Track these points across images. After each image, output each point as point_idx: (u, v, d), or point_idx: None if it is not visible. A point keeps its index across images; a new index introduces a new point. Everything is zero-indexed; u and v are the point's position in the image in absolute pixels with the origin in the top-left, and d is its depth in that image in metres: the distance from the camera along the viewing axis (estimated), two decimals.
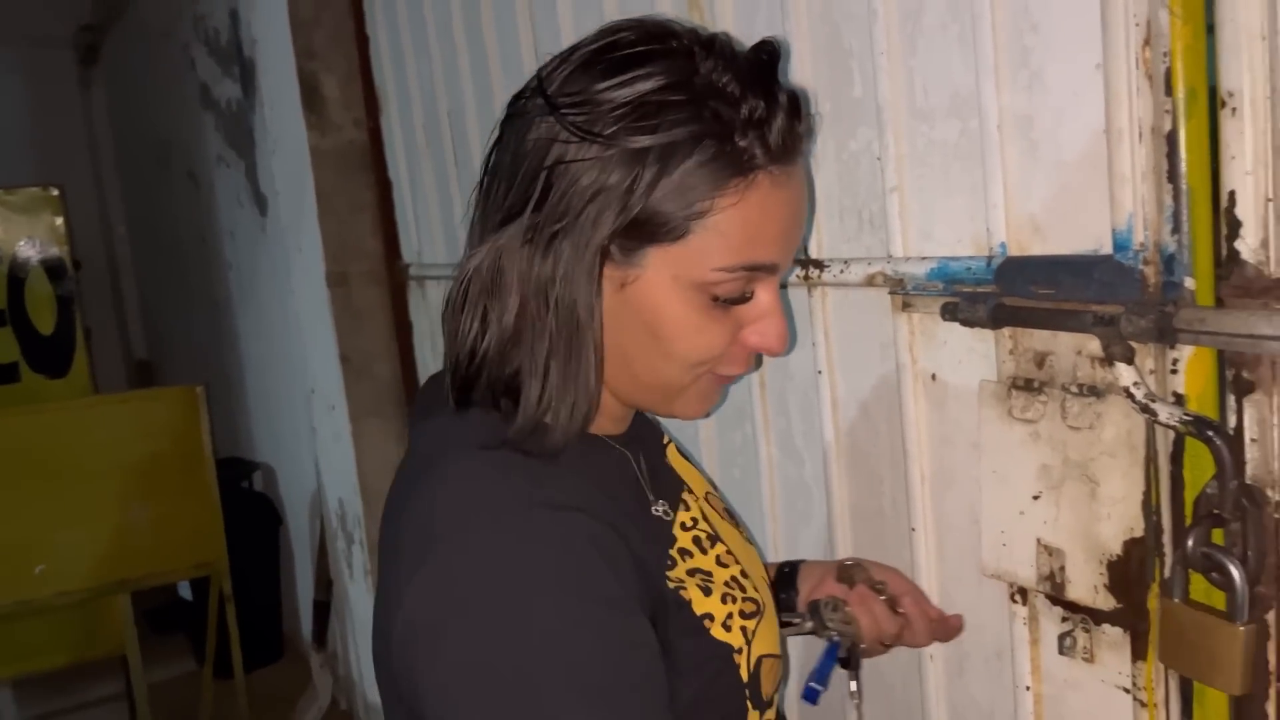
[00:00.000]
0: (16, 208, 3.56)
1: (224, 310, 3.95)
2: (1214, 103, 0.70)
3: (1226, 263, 0.71)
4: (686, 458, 0.94)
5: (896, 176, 0.99)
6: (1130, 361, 0.76)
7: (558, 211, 0.68)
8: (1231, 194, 0.69)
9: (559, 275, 0.69)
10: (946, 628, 0.99)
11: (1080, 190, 0.82)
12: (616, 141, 0.67)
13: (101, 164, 5.76)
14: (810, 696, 0.95)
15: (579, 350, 0.70)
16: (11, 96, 5.44)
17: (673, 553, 0.78)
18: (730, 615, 0.77)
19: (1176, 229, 0.73)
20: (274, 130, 2.62)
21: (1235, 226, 0.70)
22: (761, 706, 0.80)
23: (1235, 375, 0.72)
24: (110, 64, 5.41)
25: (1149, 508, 0.78)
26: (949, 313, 0.90)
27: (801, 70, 1.07)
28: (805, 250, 1.11)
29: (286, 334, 3.00)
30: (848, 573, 0.99)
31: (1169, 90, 0.71)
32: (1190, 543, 0.73)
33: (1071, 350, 0.83)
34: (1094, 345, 0.79)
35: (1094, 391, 0.81)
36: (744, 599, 0.79)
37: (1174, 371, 0.76)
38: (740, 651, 0.77)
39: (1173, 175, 0.72)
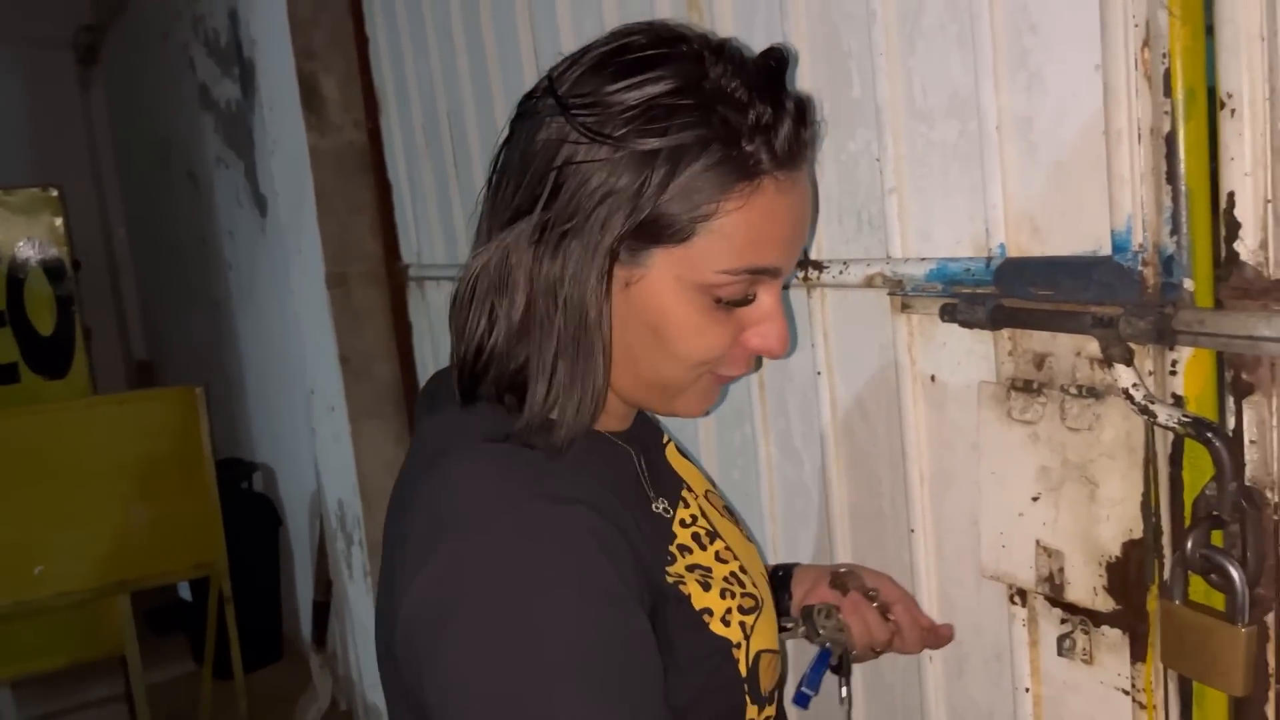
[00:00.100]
0: (16, 208, 3.56)
1: (223, 311, 3.95)
2: (1213, 104, 0.70)
3: (1225, 264, 0.71)
4: (686, 456, 0.94)
5: (895, 177, 0.99)
6: (1129, 363, 0.75)
7: (567, 211, 0.69)
8: (1230, 195, 0.69)
9: (568, 275, 0.70)
10: (937, 636, 1.00)
11: (1079, 191, 0.82)
12: (626, 143, 0.68)
13: (101, 164, 5.77)
14: (801, 701, 0.96)
15: (587, 349, 0.71)
16: (11, 97, 5.44)
17: (672, 549, 0.79)
18: (729, 610, 0.78)
19: (1175, 230, 0.73)
20: (273, 131, 2.62)
21: (1234, 228, 0.70)
22: (760, 701, 0.80)
23: (1234, 377, 0.72)
24: (110, 64, 5.41)
25: (1148, 509, 0.78)
26: (948, 314, 0.90)
27: (800, 71, 1.07)
28: (805, 252, 1.11)
29: (286, 335, 3.00)
30: (841, 580, 0.99)
31: (1168, 91, 0.71)
32: (1189, 544, 0.73)
33: (1070, 352, 0.83)
34: (1093, 347, 0.79)
35: (1093, 393, 0.81)
36: (743, 594, 0.80)
37: (1173, 373, 0.76)
38: (739, 646, 0.77)
39: (1172, 176, 0.72)
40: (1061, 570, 0.84)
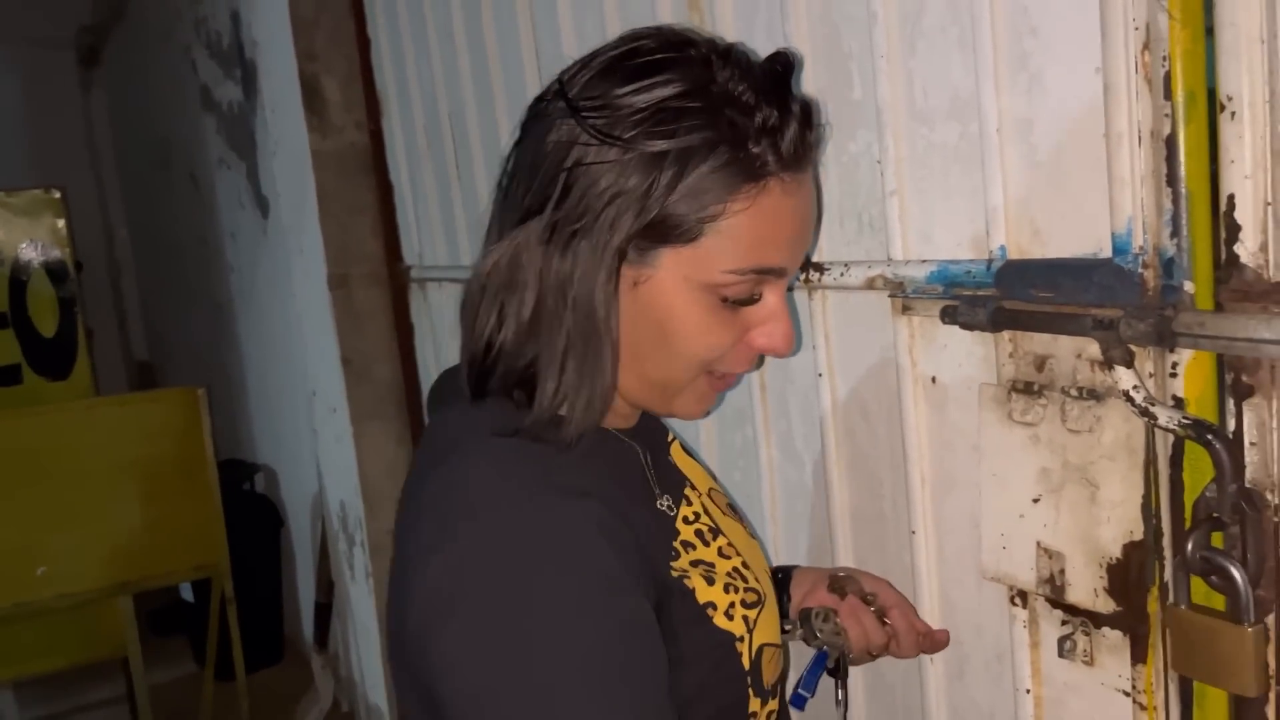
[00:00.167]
0: (18, 210, 3.57)
1: (225, 312, 3.95)
2: (1213, 106, 0.70)
3: (1226, 266, 0.71)
4: (691, 455, 0.95)
5: (896, 179, 0.99)
6: (1130, 365, 0.76)
7: (576, 211, 0.71)
8: (1231, 198, 0.69)
9: (577, 274, 0.71)
10: (933, 641, 1.01)
11: (1080, 194, 0.82)
12: (635, 145, 0.69)
13: (102, 166, 5.77)
14: (798, 703, 0.97)
15: (596, 347, 0.72)
16: (12, 98, 5.45)
17: (676, 544, 0.80)
18: (732, 604, 0.79)
19: (1176, 233, 0.73)
20: (275, 132, 2.62)
21: (1234, 230, 0.70)
22: (763, 695, 0.81)
23: (1234, 379, 0.72)
24: (111, 66, 5.42)
25: (1148, 511, 0.78)
26: (949, 316, 0.90)
27: (801, 73, 1.07)
28: (807, 253, 1.11)
29: (288, 336, 3.00)
30: (839, 583, 1.00)
31: (1168, 94, 0.71)
32: (1190, 546, 0.73)
33: (1071, 354, 0.83)
34: (1093, 349, 0.79)
35: (1093, 395, 0.81)
36: (745, 589, 0.81)
37: (1173, 375, 0.76)
38: (742, 640, 0.79)
39: (1172, 179, 0.72)
40: (1062, 572, 0.84)
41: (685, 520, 0.83)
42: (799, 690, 0.98)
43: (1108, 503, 0.80)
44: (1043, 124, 0.84)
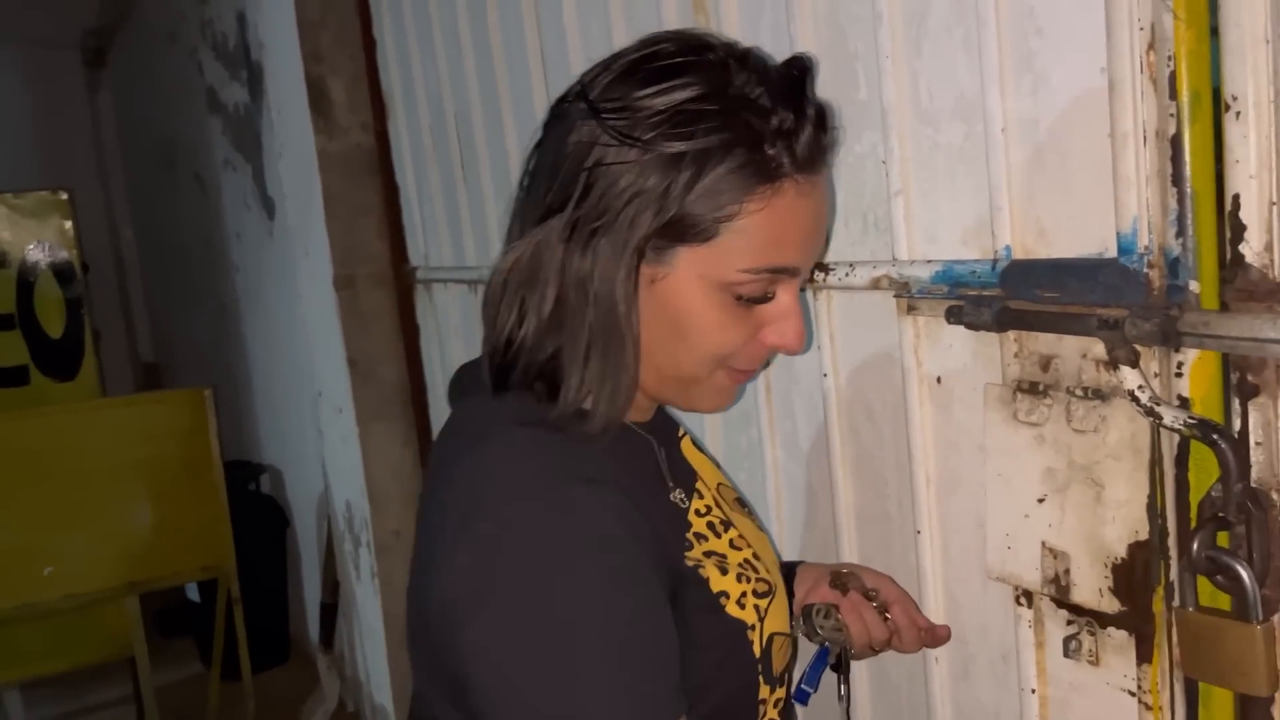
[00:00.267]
0: (25, 212, 3.58)
1: (231, 313, 3.96)
2: (1218, 106, 0.70)
3: (1231, 266, 0.71)
4: (701, 450, 0.96)
5: (901, 180, 0.99)
6: (1135, 365, 0.76)
7: (597, 210, 0.72)
8: (1236, 197, 0.69)
9: (597, 272, 0.73)
10: (934, 636, 1.02)
11: (1085, 194, 0.82)
12: (654, 146, 0.71)
13: (109, 167, 5.79)
14: (801, 698, 0.98)
15: (618, 343, 0.74)
16: (19, 100, 5.47)
17: (689, 536, 0.82)
18: (744, 594, 0.81)
19: (1181, 232, 0.73)
20: (281, 134, 2.63)
21: (1239, 230, 0.70)
22: (773, 682, 0.84)
23: (1240, 378, 0.72)
24: (117, 67, 5.43)
25: (1154, 511, 0.78)
26: (954, 316, 0.90)
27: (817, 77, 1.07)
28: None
29: (293, 337, 3.01)
30: (841, 579, 1.01)
31: (1173, 94, 0.71)
32: (1196, 546, 0.73)
33: (1076, 353, 0.83)
34: (1099, 349, 0.79)
35: (1099, 395, 0.81)
36: (757, 579, 0.83)
37: (1179, 375, 0.76)
38: (753, 628, 0.81)
39: (1177, 179, 0.72)
40: (1067, 572, 0.84)
41: (697, 513, 0.85)
42: (802, 686, 0.99)
43: (1113, 502, 0.80)
44: (1048, 124, 0.84)
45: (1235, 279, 0.71)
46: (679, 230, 0.73)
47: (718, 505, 0.88)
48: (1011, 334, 0.88)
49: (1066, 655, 0.87)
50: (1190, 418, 0.73)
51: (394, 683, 2.53)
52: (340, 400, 2.49)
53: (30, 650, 2.68)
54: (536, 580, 0.68)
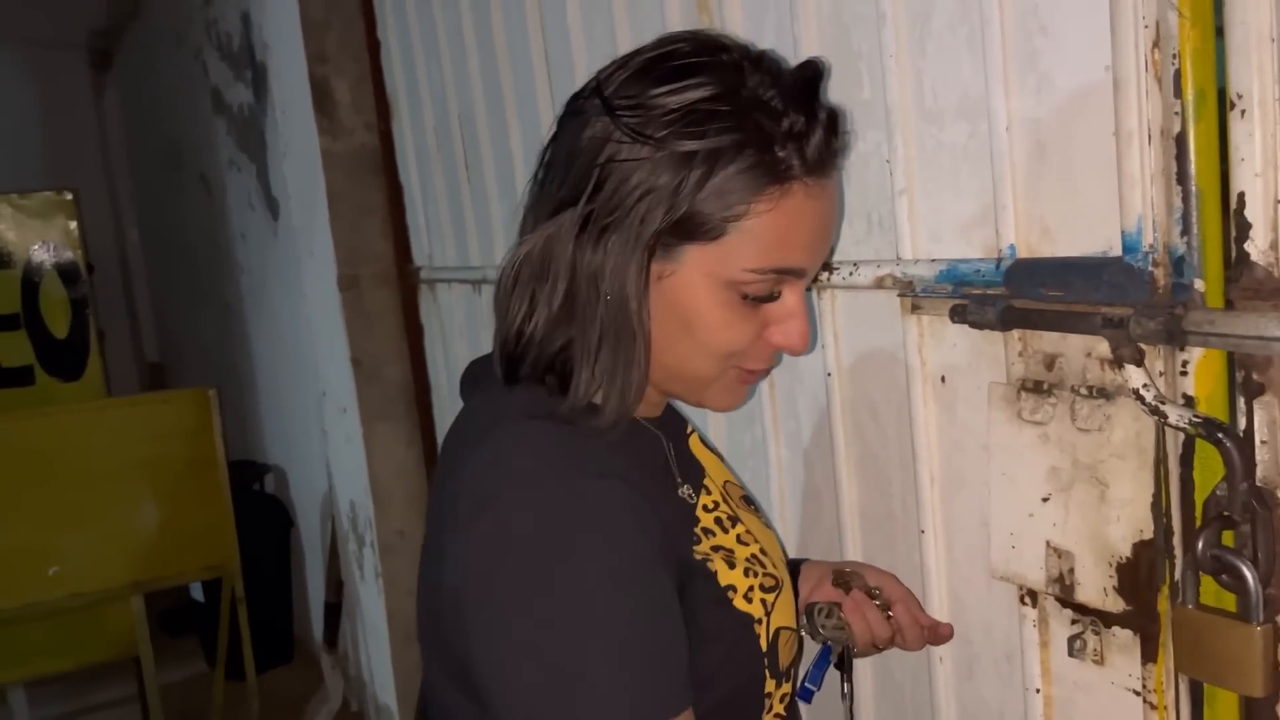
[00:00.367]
0: (31, 212, 3.59)
1: (235, 313, 3.97)
2: (1223, 105, 0.70)
3: (1236, 265, 0.71)
4: (709, 447, 0.97)
5: (905, 179, 0.99)
6: (1140, 364, 0.75)
7: (609, 206, 0.73)
8: (1241, 196, 0.69)
9: (608, 268, 0.74)
10: (936, 635, 1.02)
11: (1089, 192, 0.82)
12: (666, 144, 0.72)
13: (114, 168, 5.80)
14: (805, 696, 0.99)
15: (628, 338, 0.75)
16: (25, 101, 5.48)
17: (697, 530, 0.83)
18: (751, 588, 0.82)
19: (1186, 231, 0.73)
20: (285, 134, 2.63)
21: (1245, 228, 0.70)
22: (779, 676, 0.84)
23: (1245, 377, 0.72)
24: (123, 69, 5.45)
25: (1159, 510, 0.78)
26: (958, 315, 0.90)
27: (829, 80, 1.07)
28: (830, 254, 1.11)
29: (297, 337, 3.01)
30: (845, 578, 1.01)
31: (1178, 92, 0.71)
32: (1200, 545, 0.73)
33: (1081, 352, 0.83)
34: (1103, 347, 0.79)
35: (1103, 394, 0.81)
36: (764, 574, 0.84)
37: (1184, 373, 0.76)
38: (760, 622, 0.82)
39: (1182, 177, 0.72)
40: (1072, 571, 0.84)
41: (705, 508, 0.85)
42: (806, 684, 0.99)
43: (1118, 501, 0.80)
44: (1052, 123, 0.84)
45: (1240, 277, 0.71)
46: (688, 228, 0.73)
47: (725, 501, 0.89)
48: (1016, 333, 0.88)
49: (1071, 655, 0.87)
50: (1195, 416, 0.73)
51: (398, 682, 2.53)
52: (344, 400, 2.49)
53: (35, 649, 2.68)
54: (543, 570, 0.68)
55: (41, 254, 3.59)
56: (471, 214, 1.95)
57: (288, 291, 3.08)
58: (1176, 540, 0.78)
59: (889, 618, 0.99)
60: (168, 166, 4.71)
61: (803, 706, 0.98)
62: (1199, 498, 0.76)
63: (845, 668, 1.00)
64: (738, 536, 0.86)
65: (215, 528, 2.75)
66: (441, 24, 1.92)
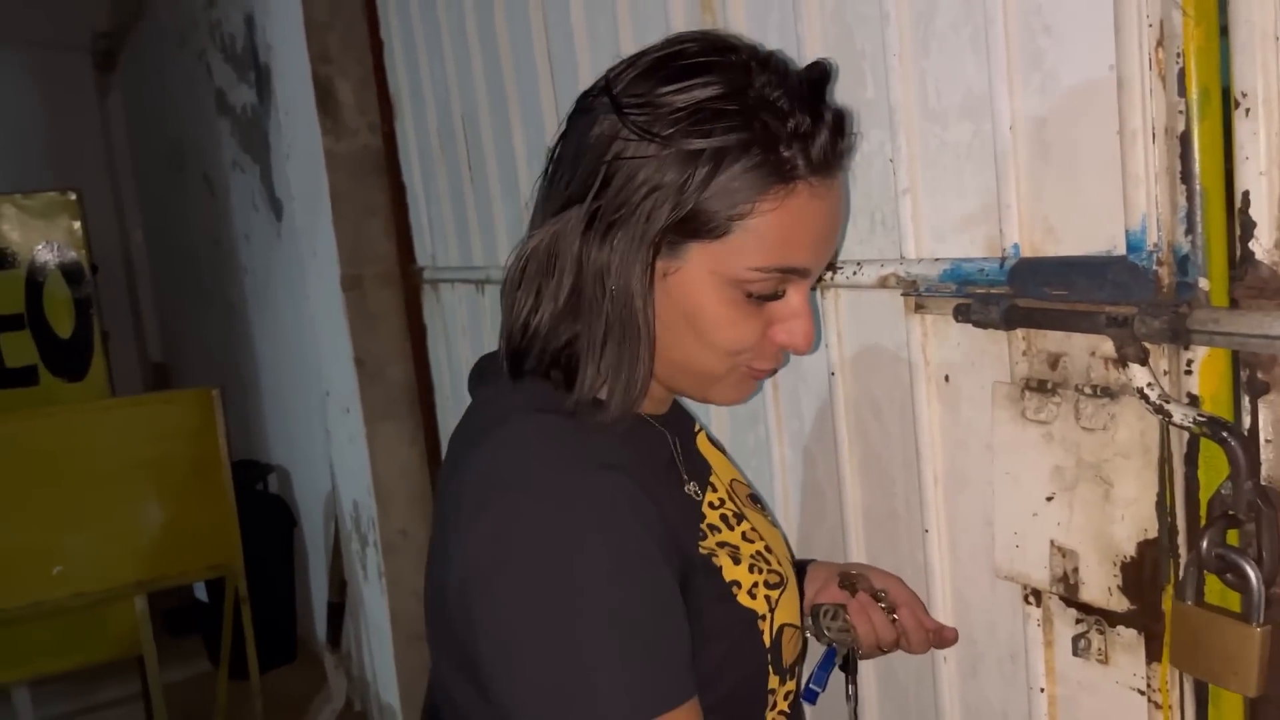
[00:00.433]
0: (35, 212, 3.59)
1: (239, 313, 3.97)
2: (1227, 103, 0.70)
3: (1240, 263, 0.71)
4: (717, 446, 0.97)
5: (909, 178, 0.99)
6: (1144, 362, 0.75)
7: (615, 203, 0.74)
8: (1245, 194, 0.69)
9: (614, 264, 0.74)
10: (941, 638, 1.02)
11: (1094, 191, 0.82)
12: (673, 142, 0.72)
13: (118, 169, 5.82)
14: (809, 698, 0.99)
15: (633, 335, 0.75)
16: (29, 102, 5.50)
17: (703, 527, 0.83)
18: (756, 584, 0.82)
19: (1190, 230, 0.73)
20: (289, 135, 2.64)
21: (1249, 227, 0.70)
22: (782, 673, 0.84)
23: (1250, 376, 0.72)
24: (127, 70, 5.45)
25: (1163, 509, 0.78)
26: (962, 314, 0.90)
27: (836, 81, 1.07)
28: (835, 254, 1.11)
29: (301, 337, 3.01)
30: (850, 580, 1.01)
31: (1182, 91, 0.71)
32: (1204, 544, 0.73)
33: (1085, 351, 0.83)
34: (1107, 346, 0.79)
35: (1108, 393, 0.81)
36: (769, 571, 0.84)
37: (1188, 372, 0.76)
38: (764, 618, 0.82)
39: (1186, 176, 0.72)
40: (1076, 570, 0.84)
41: (710, 505, 0.86)
42: (810, 686, 0.99)
43: (1122, 501, 0.80)
44: (1056, 122, 0.84)
45: (1245, 276, 0.71)
46: (693, 226, 0.74)
47: (730, 499, 0.89)
48: (1020, 332, 0.88)
49: (1075, 654, 0.87)
50: (1200, 415, 0.73)
51: (401, 681, 2.53)
52: (348, 400, 2.50)
53: (39, 648, 2.69)
54: (547, 563, 0.69)
55: (45, 254, 3.59)
56: (474, 214, 1.95)
57: (291, 292, 3.09)
58: (1181, 539, 0.78)
59: (894, 621, 0.99)
60: (171, 167, 4.72)
61: (807, 708, 0.98)
62: (1203, 497, 0.76)
63: (850, 670, 1.00)
64: (743, 534, 0.86)
65: (219, 527, 2.76)
66: (445, 24, 1.92)
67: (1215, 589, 0.75)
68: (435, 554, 0.80)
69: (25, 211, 3.59)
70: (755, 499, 0.96)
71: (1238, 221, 0.71)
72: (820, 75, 0.76)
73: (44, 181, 4.37)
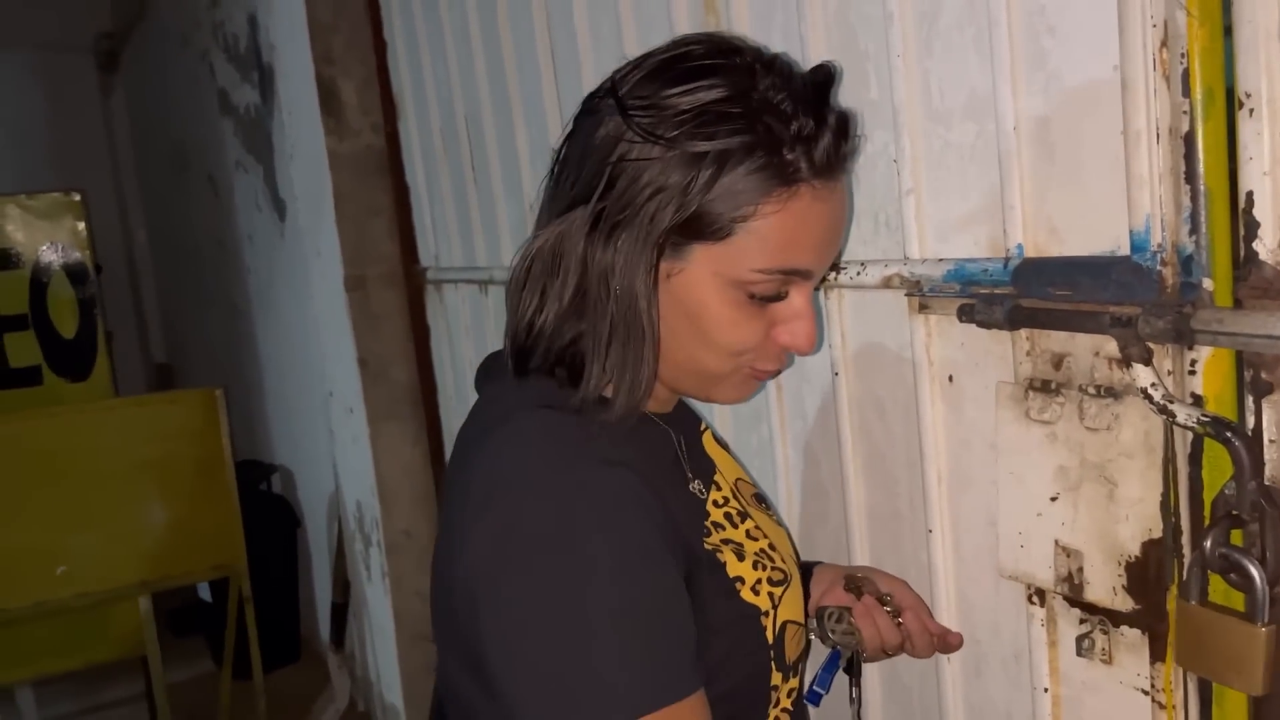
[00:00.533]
0: (39, 213, 3.60)
1: (243, 314, 3.98)
2: (1231, 104, 0.70)
3: (1244, 264, 0.71)
4: (723, 446, 0.97)
5: (913, 179, 0.99)
6: (1148, 363, 0.75)
7: (619, 204, 0.74)
8: (1249, 195, 0.69)
9: (619, 265, 0.75)
10: (945, 643, 1.02)
11: (1098, 192, 0.82)
12: (677, 144, 0.73)
13: (122, 169, 5.82)
14: (813, 699, 0.99)
15: (637, 335, 0.76)
16: (33, 103, 5.50)
17: (707, 525, 0.84)
18: (759, 581, 0.83)
19: (1194, 230, 0.73)
20: (292, 135, 2.64)
21: (1253, 227, 0.70)
22: (785, 670, 0.85)
23: (1253, 376, 0.72)
24: (130, 70, 5.46)
25: (1167, 509, 0.78)
26: (965, 314, 0.90)
27: (841, 84, 1.07)
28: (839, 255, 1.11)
29: (304, 337, 3.02)
30: (856, 583, 1.01)
31: (1186, 91, 0.71)
32: (1208, 544, 0.73)
33: (1089, 351, 0.83)
34: (1111, 346, 0.79)
35: (1111, 393, 0.81)
36: (773, 568, 0.85)
37: (1192, 372, 0.76)
38: (767, 615, 0.83)
39: (1190, 176, 0.72)
40: (1080, 570, 0.84)
41: (715, 504, 0.86)
42: (814, 687, 0.99)
43: (1126, 501, 0.80)
44: (1060, 122, 0.84)
45: (1249, 276, 0.71)
46: (697, 227, 0.74)
47: (735, 497, 0.89)
48: (1023, 332, 0.88)
49: (1079, 654, 0.87)
50: (1204, 415, 0.73)
51: (404, 682, 2.54)
52: (351, 400, 2.50)
53: (43, 648, 2.69)
54: (551, 557, 0.69)
55: (49, 254, 3.60)
56: (478, 215, 1.95)
57: (294, 292, 3.09)
58: (1185, 539, 0.78)
59: (899, 624, 1.00)
60: (175, 168, 4.73)
61: (810, 709, 0.98)
62: (1208, 497, 0.76)
63: (854, 672, 1.00)
64: (747, 531, 0.86)
65: (222, 528, 2.76)
66: (448, 25, 1.92)
67: (1219, 589, 0.76)
68: (440, 552, 0.80)
69: (29, 212, 3.59)
70: (760, 498, 0.96)
71: (1241, 222, 0.71)
72: (824, 78, 0.77)
73: (48, 182, 4.38)
